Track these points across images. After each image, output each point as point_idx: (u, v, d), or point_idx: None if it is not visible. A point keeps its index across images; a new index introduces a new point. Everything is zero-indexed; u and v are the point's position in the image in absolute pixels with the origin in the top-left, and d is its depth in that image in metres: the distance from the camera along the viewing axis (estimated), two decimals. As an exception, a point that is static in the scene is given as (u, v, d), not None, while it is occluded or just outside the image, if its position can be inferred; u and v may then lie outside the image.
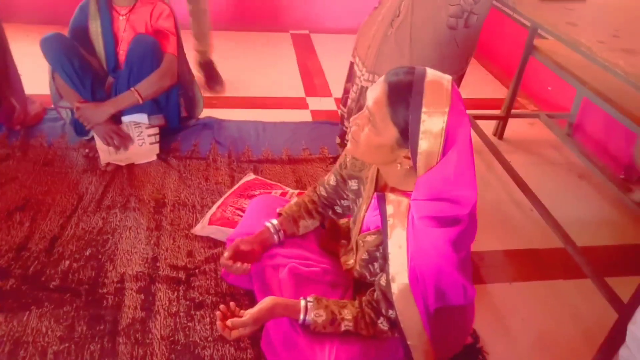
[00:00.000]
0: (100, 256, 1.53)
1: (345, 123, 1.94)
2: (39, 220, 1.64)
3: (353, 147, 1.06)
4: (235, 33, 3.31)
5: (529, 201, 1.84)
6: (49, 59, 1.84)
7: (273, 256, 1.31)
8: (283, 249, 1.31)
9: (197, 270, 1.51)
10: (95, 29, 1.91)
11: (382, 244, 1.09)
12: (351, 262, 1.27)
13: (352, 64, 1.85)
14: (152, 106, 1.96)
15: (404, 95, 0.93)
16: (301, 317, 1.09)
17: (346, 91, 1.92)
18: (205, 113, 2.28)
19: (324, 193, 1.35)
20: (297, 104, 2.61)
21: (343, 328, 1.10)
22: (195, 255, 1.57)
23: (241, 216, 1.61)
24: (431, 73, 0.95)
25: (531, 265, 1.71)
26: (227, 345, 1.29)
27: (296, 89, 2.76)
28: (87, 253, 1.53)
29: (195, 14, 2.49)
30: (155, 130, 1.99)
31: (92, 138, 1.99)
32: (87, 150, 1.98)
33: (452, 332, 1.21)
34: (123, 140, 1.92)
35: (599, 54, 1.39)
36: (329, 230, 1.43)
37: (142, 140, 1.97)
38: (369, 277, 1.20)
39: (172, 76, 1.94)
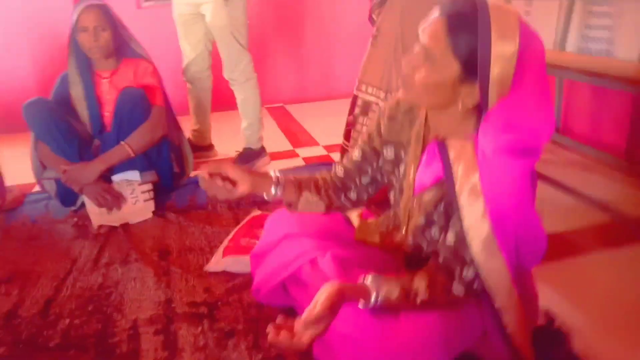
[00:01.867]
0: (105, 309, 1.32)
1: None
2: (28, 288, 1.43)
3: (406, 92, 0.96)
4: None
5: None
6: (32, 124, 1.77)
7: (303, 252, 1.16)
8: (312, 239, 1.16)
9: (219, 303, 1.32)
10: (77, 94, 1.88)
11: (444, 198, 0.98)
12: (398, 238, 1.13)
13: (355, 97, 1.86)
14: (143, 162, 1.87)
15: (466, 23, 0.86)
16: (373, 297, 0.92)
17: (348, 124, 1.91)
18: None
19: (340, 173, 1.19)
20: (288, 155, 2.58)
21: (419, 301, 0.94)
22: (213, 290, 1.38)
23: (258, 244, 1.46)
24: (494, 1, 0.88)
25: (580, 241, 1.61)
26: (273, 367, 1.08)
27: (283, 144, 2.75)
28: (89, 308, 1.33)
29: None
30: (149, 186, 1.88)
31: (81, 206, 1.86)
32: (76, 219, 1.83)
33: (528, 302, 1.06)
34: (115, 199, 1.80)
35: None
36: (361, 227, 1.30)
37: (136, 198, 1.85)
38: (425, 248, 1.06)
39: (162, 127, 1.89)
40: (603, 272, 1.45)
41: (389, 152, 1.12)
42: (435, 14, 0.90)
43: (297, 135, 2.92)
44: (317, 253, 1.12)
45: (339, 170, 1.20)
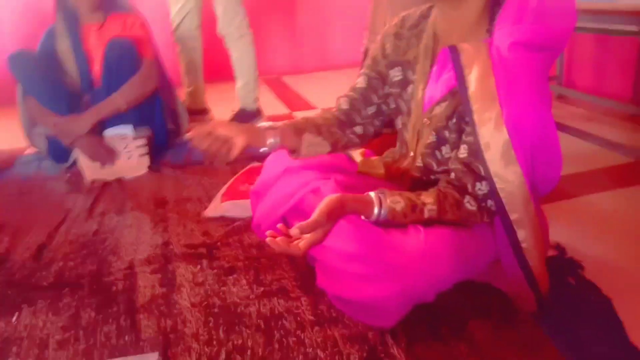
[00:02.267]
0: (100, 252, 1.27)
1: None
2: (20, 235, 1.38)
3: None
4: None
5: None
6: (19, 76, 1.71)
7: (305, 183, 1.10)
8: (314, 171, 1.09)
9: (218, 244, 1.27)
10: (65, 48, 1.80)
11: (456, 110, 0.93)
12: (405, 163, 1.08)
13: (367, 50, 1.78)
14: (136, 117, 1.81)
15: None
16: (375, 209, 0.87)
17: None
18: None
19: (344, 105, 1.14)
20: (285, 118, 2.52)
21: (426, 214, 0.89)
22: (212, 233, 1.33)
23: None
24: None
25: (594, 181, 1.57)
26: (275, 298, 1.04)
27: (280, 109, 2.70)
28: (84, 252, 1.28)
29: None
30: (143, 141, 1.82)
31: (73, 163, 1.80)
32: (69, 175, 1.78)
33: (541, 226, 1.01)
34: (109, 153, 1.74)
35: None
36: (364, 164, 1.25)
37: (130, 153, 1.79)
38: (436, 167, 1.01)
39: (153, 80, 1.82)
40: (617, 207, 1.41)
41: (396, 74, 1.07)
42: None
43: (293, 101, 2.87)
44: (320, 182, 1.07)
45: (343, 103, 1.15)
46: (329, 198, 0.84)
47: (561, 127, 1.88)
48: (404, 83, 1.07)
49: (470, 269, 0.97)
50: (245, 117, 2.29)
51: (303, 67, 3.65)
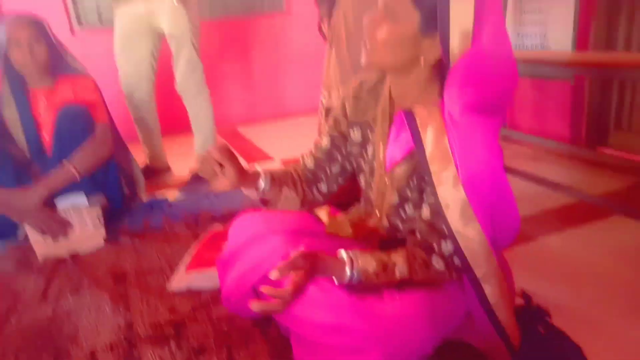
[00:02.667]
0: (57, 342, 1.19)
1: None
2: (-36, 330, 1.27)
3: (369, 55, 0.94)
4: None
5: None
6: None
7: (274, 250, 1.07)
8: (281, 236, 1.06)
9: (186, 320, 1.22)
10: (11, 114, 1.74)
11: (416, 170, 0.96)
12: (372, 223, 1.10)
13: (326, 108, 1.82)
14: (90, 185, 1.74)
15: None
16: (348, 271, 0.89)
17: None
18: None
19: (310, 165, 1.17)
20: (243, 171, 2.51)
21: (397, 274, 0.91)
22: (178, 309, 1.28)
23: (223, 255, 1.38)
24: None
25: (544, 223, 1.64)
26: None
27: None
28: (39, 343, 1.19)
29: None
30: (98, 210, 1.75)
31: (22, 240, 1.70)
32: (17, 253, 1.66)
33: (506, 277, 1.04)
34: (61, 226, 1.65)
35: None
36: (331, 223, 1.26)
37: (84, 224, 1.71)
38: (401, 226, 1.03)
39: (108, 145, 1.77)
40: (570, 249, 1.48)
41: (356, 134, 1.10)
42: None
43: (250, 153, 2.86)
44: (289, 248, 1.06)
45: (309, 162, 1.18)
46: (303, 251, 0.88)
47: (509, 169, 1.97)
48: (364, 143, 1.10)
49: (446, 329, 0.97)
50: None
51: (258, 117, 3.68)
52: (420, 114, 0.93)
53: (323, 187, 1.18)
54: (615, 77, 2.02)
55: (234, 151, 0.99)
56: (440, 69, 0.94)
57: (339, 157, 1.15)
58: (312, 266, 0.88)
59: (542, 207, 1.75)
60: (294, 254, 0.88)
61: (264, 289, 0.86)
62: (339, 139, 1.14)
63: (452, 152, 0.88)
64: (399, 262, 0.91)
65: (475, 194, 0.87)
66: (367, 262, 0.89)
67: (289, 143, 3.01)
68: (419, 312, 0.87)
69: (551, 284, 1.29)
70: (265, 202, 1.10)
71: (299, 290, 0.87)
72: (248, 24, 3.53)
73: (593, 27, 2.08)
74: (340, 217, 1.28)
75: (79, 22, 3.16)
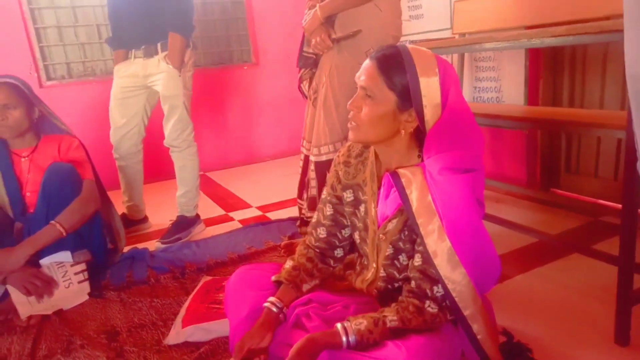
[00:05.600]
0: (56, 405, 1.17)
1: (306, 213, 1.92)
2: (-48, 399, 1.23)
3: (355, 132, 1.08)
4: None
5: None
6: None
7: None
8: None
9: (188, 376, 1.24)
10: (-6, 176, 1.73)
11: (406, 223, 1.07)
12: (369, 275, 1.19)
13: (307, 157, 1.89)
14: (75, 241, 1.74)
15: (394, 63, 1.02)
16: (343, 338, 0.98)
17: (302, 183, 1.95)
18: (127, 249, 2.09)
19: (323, 234, 1.26)
20: (222, 219, 2.55)
21: (389, 324, 1.00)
22: (178, 364, 1.30)
23: (220, 308, 1.42)
24: (410, 45, 1.08)
25: (513, 263, 1.78)
26: None
27: (215, 210, 2.72)
28: (36, 408, 1.17)
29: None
30: (82, 266, 1.74)
31: (0, 300, 1.65)
32: (-3, 314, 1.62)
33: (489, 316, 1.15)
34: (46, 284, 1.63)
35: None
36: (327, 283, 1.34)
37: (69, 281, 1.69)
38: (397, 275, 1.13)
39: (95, 202, 1.79)
40: (539, 286, 1.61)
41: (348, 195, 1.21)
42: (366, 62, 1.07)
43: (225, 200, 2.91)
44: (302, 315, 1.14)
45: (321, 232, 1.27)
46: (300, 341, 0.98)
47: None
48: (356, 203, 1.21)
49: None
50: (185, 224, 2.29)
51: (229, 163, 3.75)
52: (404, 175, 1.06)
53: (339, 252, 1.28)
54: (563, 130, 2.26)
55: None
56: (417, 134, 1.08)
57: (345, 222, 1.26)
58: (311, 349, 0.97)
59: (509, 248, 1.90)
60: (291, 353, 0.96)
61: None
62: (339, 203, 1.25)
63: (435, 207, 1.01)
64: (389, 314, 1.02)
65: (458, 242, 0.99)
66: (359, 323, 1.00)
67: (262, 188, 3.08)
68: (424, 357, 0.95)
69: (524, 319, 1.41)
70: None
71: None
72: (219, 74, 3.65)
73: (541, 85, 2.33)
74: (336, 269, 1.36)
75: (48, 78, 3.17)
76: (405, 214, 1.07)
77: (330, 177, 1.27)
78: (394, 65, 1.02)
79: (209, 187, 3.23)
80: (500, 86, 2.49)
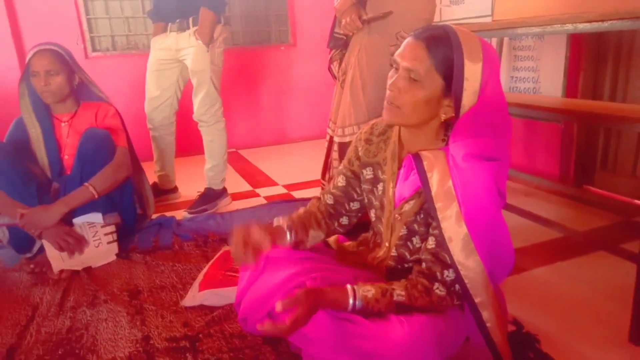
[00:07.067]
0: (77, 351, 1.26)
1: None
2: (-14, 338, 1.33)
3: (394, 114, 1.04)
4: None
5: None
6: (-14, 167, 1.70)
7: (290, 277, 1.18)
8: (296, 263, 1.19)
9: (200, 336, 1.30)
10: (36, 136, 1.84)
11: (423, 207, 1.08)
12: (381, 253, 1.20)
13: (331, 139, 1.90)
14: (106, 204, 1.83)
15: (443, 44, 0.98)
16: (350, 300, 1.00)
17: (325, 164, 1.96)
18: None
19: (330, 201, 1.29)
20: (248, 195, 2.61)
21: (396, 297, 1.01)
22: (193, 324, 1.36)
23: (235, 276, 1.46)
24: (456, 27, 1.03)
25: (534, 256, 1.75)
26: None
27: (243, 185, 2.78)
28: (60, 352, 1.26)
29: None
30: (112, 228, 1.83)
31: (36, 254, 1.77)
32: (32, 266, 1.73)
33: (501, 305, 1.14)
34: (78, 242, 1.73)
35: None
36: (339, 250, 1.36)
37: (99, 241, 1.79)
38: (408, 256, 1.14)
39: (127, 168, 1.87)
40: (557, 281, 1.58)
41: (368, 172, 1.22)
42: (409, 41, 1.02)
43: (254, 177, 2.97)
44: (305, 277, 1.15)
45: (329, 199, 1.30)
46: (308, 288, 1.00)
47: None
48: (375, 181, 1.21)
49: (449, 353, 1.07)
50: (212, 196, 2.36)
51: (261, 142, 3.81)
52: (427, 158, 1.05)
53: (344, 220, 1.30)
54: (601, 125, 2.17)
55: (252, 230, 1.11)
56: (446, 123, 1.06)
57: (355, 195, 1.27)
58: (315, 302, 0.98)
59: (532, 241, 1.86)
60: (299, 291, 0.98)
61: (262, 326, 0.94)
62: (353, 178, 1.26)
63: (455, 192, 0.99)
64: (397, 288, 1.02)
65: (475, 229, 0.98)
66: (367, 290, 1.01)
67: (290, 168, 3.12)
68: (426, 336, 0.96)
69: (538, 312, 1.39)
70: (296, 245, 1.22)
71: (297, 323, 0.95)
72: (256, 53, 3.69)
73: (581, 77, 2.24)
74: (349, 244, 1.39)
75: (94, 49, 3.30)
76: (423, 197, 1.07)
77: (349, 151, 1.28)
78: (442, 46, 0.98)
79: (239, 163, 3.30)
80: (538, 77, 2.41)
